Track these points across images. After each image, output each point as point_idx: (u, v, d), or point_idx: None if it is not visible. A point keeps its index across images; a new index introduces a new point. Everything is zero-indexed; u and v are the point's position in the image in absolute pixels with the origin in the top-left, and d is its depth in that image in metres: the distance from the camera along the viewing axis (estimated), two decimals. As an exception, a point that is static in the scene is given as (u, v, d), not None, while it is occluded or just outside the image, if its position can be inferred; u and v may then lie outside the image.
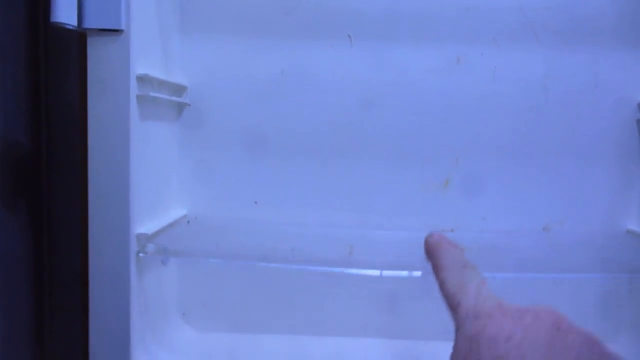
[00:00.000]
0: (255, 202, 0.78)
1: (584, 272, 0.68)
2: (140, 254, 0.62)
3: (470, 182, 0.78)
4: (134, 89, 0.60)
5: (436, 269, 0.35)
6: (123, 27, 0.59)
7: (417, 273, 0.66)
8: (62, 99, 0.76)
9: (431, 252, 0.36)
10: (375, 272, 0.67)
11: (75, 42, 0.72)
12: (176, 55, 0.75)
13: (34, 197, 0.76)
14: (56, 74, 0.75)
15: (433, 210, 0.78)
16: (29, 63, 0.74)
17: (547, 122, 0.77)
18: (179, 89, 0.75)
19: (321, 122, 0.77)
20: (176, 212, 0.77)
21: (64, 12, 0.57)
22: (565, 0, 0.75)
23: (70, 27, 0.58)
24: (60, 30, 0.59)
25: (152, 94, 0.63)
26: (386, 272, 0.66)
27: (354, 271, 0.66)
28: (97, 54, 0.59)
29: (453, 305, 0.31)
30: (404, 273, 0.67)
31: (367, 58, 0.76)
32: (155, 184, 0.70)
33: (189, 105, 0.77)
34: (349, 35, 0.75)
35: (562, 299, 0.79)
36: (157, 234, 0.66)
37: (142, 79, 0.62)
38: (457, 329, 0.30)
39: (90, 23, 0.58)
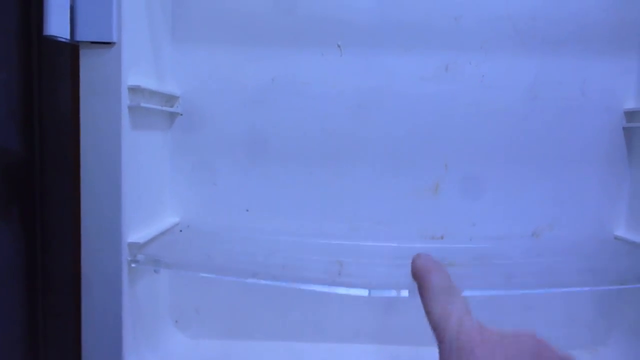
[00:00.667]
0: (247, 210, 0.79)
1: (573, 285, 0.69)
2: (132, 265, 0.63)
3: (459, 188, 0.78)
4: (125, 100, 0.61)
5: (422, 294, 0.36)
6: (114, 39, 0.60)
7: (405, 293, 0.67)
8: (54, 109, 0.76)
9: (418, 275, 0.37)
10: (364, 293, 0.67)
11: (67, 52, 0.73)
12: (168, 65, 0.76)
13: (27, 205, 0.77)
14: (49, 83, 0.76)
15: (423, 216, 0.79)
16: (22, 72, 0.75)
17: (536, 128, 0.78)
18: (171, 99, 0.76)
19: (312, 130, 0.78)
20: (168, 220, 0.77)
21: (57, 25, 0.58)
22: (552, 8, 0.76)
23: (63, 40, 0.59)
24: (53, 42, 0.60)
25: (143, 104, 0.64)
26: (374, 292, 0.67)
27: (342, 291, 0.67)
28: (90, 65, 0.60)
29: (438, 332, 0.33)
30: (393, 293, 0.68)
31: (356, 66, 0.77)
32: (148, 193, 0.71)
33: (181, 115, 0.78)
34: (338, 45, 0.76)
35: (552, 302, 0.80)
36: (149, 242, 0.66)
37: (134, 90, 0.62)
38: (441, 358, 0.32)
39: (82, 36, 0.59)
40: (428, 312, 0.35)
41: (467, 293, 0.72)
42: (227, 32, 0.77)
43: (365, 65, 0.77)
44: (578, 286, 0.71)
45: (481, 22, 0.76)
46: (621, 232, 0.79)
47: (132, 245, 0.63)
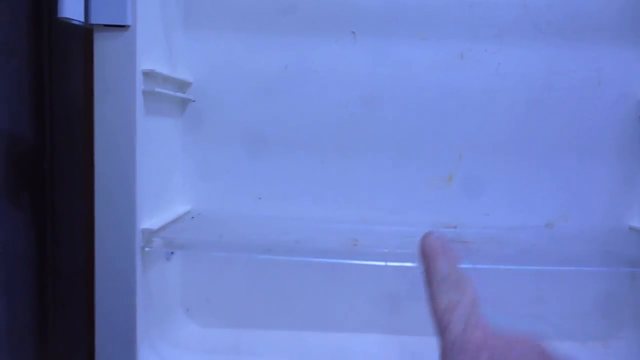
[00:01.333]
0: (260, 198, 0.78)
1: (586, 265, 0.69)
2: (147, 249, 0.62)
3: (473, 178, 0.78)
4: (139, 84, 0.60)
5: (428, 278, 0.33)
6: (129, 22, 0.59)
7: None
8: (67, 94, 0.76)
9: (426, 256, 0.33)
10: (380, 263, 0.67)
11: (79, 37, 0.72)
12: (180, 51, 0.75)
13: (38, 192, 0.77)
14: (61, 68, 0.75)
15: (436, 206, 0.78)
16: (33, 58, 0.74)
17: (550, 118, 0.77)
18: (183, 85, 0.75)
19: (324, 118, 0.77)
20: (180, 208, 0.77)
21: (71, 7, 0.57)
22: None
23: (77, 23, 0.58)
24: (64, 26, 0.59)
25: (157, 89, 0.63)
26: (391, 263, 0.66)
27: (359, 262, 0.67)
28: (104, 49, 0.59)
29: (441, 326, 0.30)
30: (409, 264, 0.67)
31: (370, 54, 0.76)
32: (160, 180, 0.70)
33: (193, 101, 0.77)
34: (352, 32, 0.76)
35: (565, 294, 0.80)
36: (162, 229, 0.66)
37: (148, 75, 0.62)
38: (442, 356, 0.30)
39: (96, 19, 0.58)
40: (432, 301, 0.31)
41: (480, 266, 0.73)
42: (239, 19, 0.76)
43: (379, 53, 0.76)
44: (591, 266, 0.70)
45: (497, 9, 0.75)
46: (636, 222, 0.78)
47: (145, 231, 0.62)
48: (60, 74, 0.76)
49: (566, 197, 0.78)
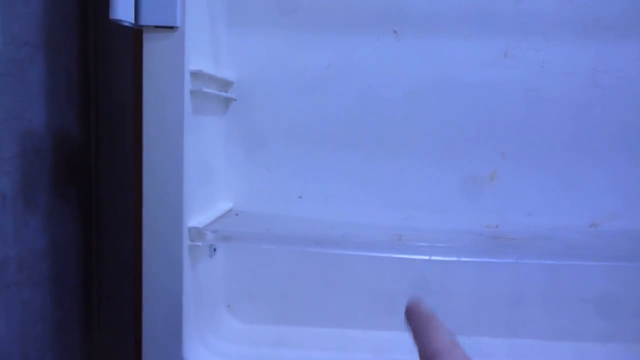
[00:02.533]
0: (300, 197, 0.79)
1: (634, 260, 0.68)
2: (197, 243, 0.63)
3: (517, 176, 0.77)
4: (187, 84, 0.61)
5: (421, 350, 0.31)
6: (178, 23, 0.60)
7: (466, 259, 0.67)
8: (112, 93, 0.77)
9: (415, 326, 0.32)
10: (424, 257, 0.67)
11: (127, 38, 0.73)
12: (224, 50, 0.76)
13: (85, 187, 0.78)
14: (107, 68, 0.77)
15: (479, 204, 0.77)
16: (82, 56, 0.76)
17: (596, 117, 0.76)
18: (227, 84, 0.76)
19: (367, 117, 0.77)
20: (223, 205, 0.78)
21: (123, 9, 0.58)
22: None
23: (128, 24, 0.59)
24: (112, 26, 0.60)
25: (204, 89, 0.64)
26: (435, 257, 0.66)
27: (404, 256, 0.67)
28: (153, 49, 0.60)
29: None
30: (453, 258, 0.67)
31: (413, 52, 0.76)
32: (205, 178, 0.71)
33: (235, 100, 0.77)
34: (395, 31, 0.75)
35: (609, 297, 0.78)
36: (207, 226, 0.67)
37: (196, 75, 0.63)
38: None
39: (146, 20, 0.60)
40: None
41: (527, 261, 0.72)
42: (282, 17, 0.76)
43: (422, 52, 0.76)
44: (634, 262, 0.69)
45: (542, 6, 0.74)
46: (686, 223, 0.76)
47: (192, 230, 0.63)
48: (107, 73, 0.78)
49: (613, 196, 0.77)
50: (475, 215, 0.78)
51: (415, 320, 0.33)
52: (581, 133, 0.76)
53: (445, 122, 0.77)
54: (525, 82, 0.76)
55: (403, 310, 0.35)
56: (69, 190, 0.74)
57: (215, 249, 0.75)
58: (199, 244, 0.64)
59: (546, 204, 0.77)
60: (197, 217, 0.67)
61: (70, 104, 0.74)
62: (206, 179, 0.72)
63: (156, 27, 0.60)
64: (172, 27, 0.60)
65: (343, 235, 0.67)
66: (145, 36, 0.60)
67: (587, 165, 0.76)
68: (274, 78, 0.77)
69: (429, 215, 0.77)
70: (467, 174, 0.77)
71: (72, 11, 0.73)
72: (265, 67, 0.77)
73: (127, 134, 0.80)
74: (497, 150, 0.77)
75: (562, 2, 0.74)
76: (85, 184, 0.78)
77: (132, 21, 0.59)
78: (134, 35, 0.62)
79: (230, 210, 0.78)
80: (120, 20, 0.58)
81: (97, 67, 0.79)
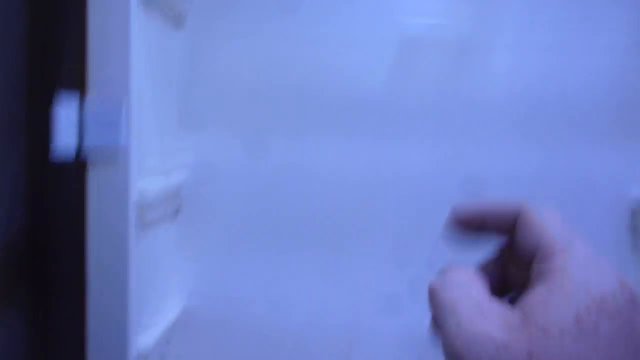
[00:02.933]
0: (253, 295, 0.78)
1: None
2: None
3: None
4: (133, 204, 0.61)
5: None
6: (123, 145, 0.60)
7: None
8: (61, 218, 0.75)
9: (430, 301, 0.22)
10: None
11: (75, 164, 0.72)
12: (174, 152, 0.76)
13: (33, 309, 0.76)
14: (58, 192, 0.75)
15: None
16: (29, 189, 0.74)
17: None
18: (177, 187, 0.76)
19: (318, 215, 0.78)
20: (175, 307, 0.77)
21: (66, 138, 0.58)
22: (558, 95, 0.77)
23: (71, 148, 0.59)
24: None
25: (150, 205, 0.64)
26: None
27: None
28: (98, 173, 0.60)
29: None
30: None
31: (365, 152, 0.77)
32: (154, 285, 0.71)
33: (186, 201, 0.78)
34: (345, 130, 0.77)
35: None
36: (156, 345, 0.66)
37: (142, 194, 0.63)
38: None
39: (91, 142, 0.60)
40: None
41: None
42: (233, 119, 0.78)
43: (372, 151, 0.77)
44: None
45: (490, 109, 0.77)
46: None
47: (140, 355, 0.62)
48: (58, 199, 0.76)
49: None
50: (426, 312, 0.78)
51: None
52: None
53: (395, 220, 0.78)
54: (472, 182, 0.77)
55: None
56: (16, 312, 0.72)
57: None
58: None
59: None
60: (146, 332, 0.66)
61: (20, 217, 0.73)
62: (156, 284, 0.72)
63: (102, 147, 0.60)
64: (116, 149, 0.60)
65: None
66: (89, 160, 0.60)
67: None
68: (225, 177, 0.78)
69: (380, 311, 0.78)
70: (419, 272, 0.78)
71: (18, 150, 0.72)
72: (216, 167, 0.78)
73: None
74: (446, 247, 0.78)
75: (509, 105, 0.77)
76: (34, 304, 0.76)
77: (75, 144, 0.59)
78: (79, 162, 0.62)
79: (182, 311, 0.78)
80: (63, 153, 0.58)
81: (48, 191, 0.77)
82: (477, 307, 0.19)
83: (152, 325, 0.69)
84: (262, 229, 0.78)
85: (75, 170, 0.63)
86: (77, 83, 0.61)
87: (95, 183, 0.60)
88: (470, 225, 0.23)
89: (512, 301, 0.19)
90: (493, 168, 0.77)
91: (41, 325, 0.79)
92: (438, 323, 0.20)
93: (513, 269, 0.22)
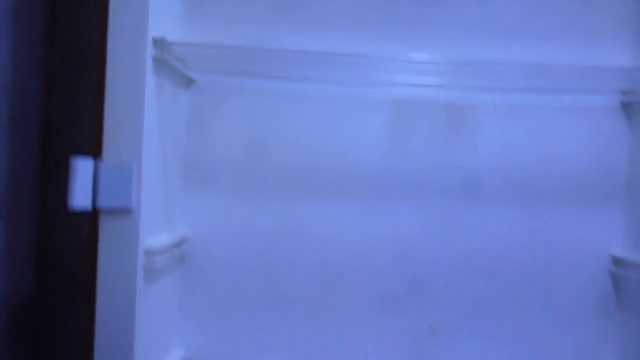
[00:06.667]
0: (253, 351, 0.81)
1: None
2: None
3: (455, 337, 0.81)
4: (140, 262, 0.65)
5: None
6: (133, 206, 0.64)
7: None
8: (72, 271, 0.78)
9: None
10: None
11: (88, 219, 0.75)
12: (179, 209, 0.80)
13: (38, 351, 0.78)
14: (69, 250, 0.78)
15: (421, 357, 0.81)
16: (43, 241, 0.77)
17: (532, 277, 0.82)
18: (181, 243, 0.80)
19: (316, 275, 0.81)
20: (175, 353, 0.80)
21: (81, 199, 0.62)
22: (542, 161, 0.81)
23: (86, 209, 0.63)
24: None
25: (157, 265, 0.68)
26: None
27: None
28: (108, 231, 0.64)
29: None
30: None
31: (360, 215, 0.81)
32: (157, 336, 0.74)
33: (190, 254, 0.81)
34: (343, 195, 0.81)
35: None
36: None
37: (148, 252, 0.66)
38: None
39: (103, 204, 0.64)
40: None
41: None
42: (236, 180, 0.82)
43: (368, 214, 0.81)
44: None
45: (479, 171, 0.81)
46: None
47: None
48: (70, 255, 0.79)
49: (546, 350, 0.81)
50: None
51: None
52: (515, 292, 0.82)
53: (389, 280, 0.81)
54: (464, 246, 0.81)
55: None
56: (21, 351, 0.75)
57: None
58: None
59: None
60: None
61: (29, 279, 0.75)
62: (159, 337, 0.75)
63: (112, 210, 0.64)
64: (128, 210, 0.64)
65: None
66: (102, 217, 0.64)
67: (523, 322, 0.82)
68: (227, 235, 0.81)
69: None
70: (409, 329, 0.81)
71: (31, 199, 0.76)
72: (218, 225, 0.82)
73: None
74: (437, 308, 0.81)
75: (497, 168, 0.81)
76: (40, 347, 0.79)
77: (90, 206, 0.63)
78: (92, 217, 0.65)
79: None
80: (78, 207, 0.62)
81: (62, 250, 0.79)
82: None
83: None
84: (261, 287, 0.82)
85: (88, 229, 0.67)
86: (93, 146, 0.65)
87: (107, 241, 0.64)
88: None
89: None
90: (486, 230, 0.81)
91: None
92: None
93: None
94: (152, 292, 0.70)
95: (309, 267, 0.81)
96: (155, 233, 0.70)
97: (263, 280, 0.81)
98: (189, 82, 0.81)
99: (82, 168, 0.62)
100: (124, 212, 0.64)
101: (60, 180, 0.69)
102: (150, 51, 0.66)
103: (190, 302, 0.82)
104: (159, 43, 0.67)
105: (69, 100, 0.77)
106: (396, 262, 0.81)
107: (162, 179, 0.73)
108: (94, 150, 0.65)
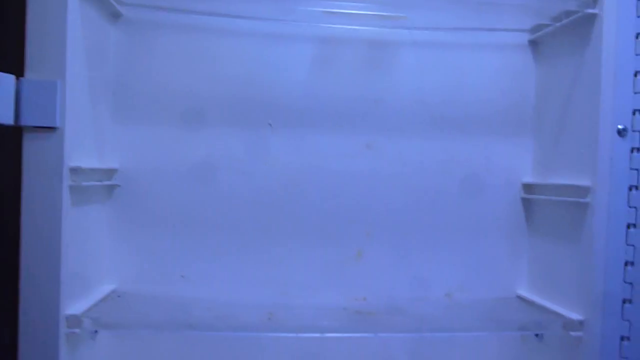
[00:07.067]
0: (182, 276, 0.83)
1: (478, 330, 0.78)
2: (74, 330, 0.66)
3: (380, 255, 0.86)
4: (66, 181, 0.65)
5: None
6: (58, 124, 0.64)
7: (330, 334, 0.76)
8: None
9: None
10: (292, 335, 0.74)
11: (10, 135, 0.74)
12: (108, 140, 0.81)
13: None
14: None
15: (347, 281, 0.85)
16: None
17: (447, 201, 0.87)
18: (110, 172, 0.80)
19: (245, 203, 0.84)
20: (106, 287, 0.81)
21: (2, 114, 0.62)
22: (459, 95, 0.87)
23: (7, 125, 0.63)
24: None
25: (84, 183, 0.68)
26: (301, 334, 0.74)
27: (273, 334, 0.75)
28: (33, 148, 0.64)
29: None
30: (317, 335, 0.76)
31: (287, 144, 0.84)
32: (85, 263, 0.74)
33: (119, 186, 0.82)
34: (269, 124, 0.84)
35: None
36: (88, 310, 0.69)
37: (75, 171, 0.67)
38: None
39: (26, 121, 0.64)
40: None
41: (385, 335, 0.80)
42: (164, 111, 0.83)
43: (294, 143, 0.84)
44: (482, 331, 0.81)
45: (399, 104, 0.86)
46: (523, 291, 0.88)
47: (70, 317, 0.66)
48: None
49: (463, 270, 0.87)
50: (345, 290, 0.86)
51: None
52: (435, 215, 0.87)
53: (316, 207, 0.85)
54: (386, 171, 0.86)
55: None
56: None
57: (96, 331, 0.77)
58: (77, 330, 0.67)
59: (407, 279, 0.87)
60: (78, 302, 0.69)
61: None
62: (87, 264, 0.75)
63: (36, 127, 0.64)
64: (52, 128, 0.64)
65: (216, 317, 0.72)
66: (25, 136, 0.64)
67: (440, 243, 0.87)
68: (156, 166, 0.82)
69: (302, 291, 0.84)
70: (337, 253, 0.85)
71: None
72: (148, 157, 0.82)
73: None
74: (362, 231, 0.86)
75: (415, 101, 0.86)
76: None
77: (12, 122, 0.63)
78: (15, 134, 0.65)
79: (114, 291, 0.81)
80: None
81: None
82: None
83: (84, 297, 0.72)
84: (191, 218, 0.84)
85: (11, 146, 0.66)
86: (16, 64, 0.65)
87: (31, 158, 0.64)
88: None
89: None
90: (405, 156, 0.86)
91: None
92: None
93: None
94: (79, 215, 0.71)
95: (237, 196, 0.83)
96: (82, 155, 0.70)
97: (192, 211, 0.83)
98: (116, 15, 0.82)
99: (2, 83, 0.62)
100: (49, 130, 0.64)
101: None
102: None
103: (120, 235, 0.83)
104: (82, -36, 0.68)
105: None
106: (322, 189, 0.85)
107: (89, 103, 0.74)
108: (17, 68, 0.65)
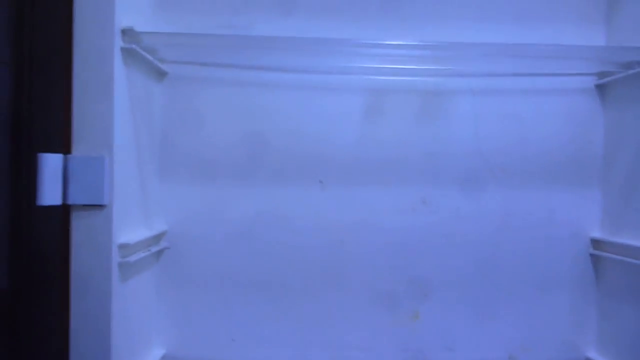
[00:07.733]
0: (233, 340, 0.81)
1: None
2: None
3: (438, 314, 0.82)
4: (115, 257, 0.63)
5: None
6: (106, 202, 0.62)
7: None
8: (46, 271, 0.76)
9: None
10: None
11: (59, 215, 0.73)
12: (156, 203, 0.79)
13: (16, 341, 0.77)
14: (40, 246, 0.76)
15: (403, 342, 0.81)
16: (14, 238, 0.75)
17: (508, 256, 0.82)
18: (158, 237, 0.78)
19: (295, 262, 0.80)
20: (157, 353, 0.79)
21: (49, 194, 0.60)
22: (519, 145, 0.81)
23: (57, 205, 0.61)
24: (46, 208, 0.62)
25: (133, 259, 0.66)
26: None
27: None
28: (81, 227, 0.63)
29: None
30: None
31: (338, 200, 0.81)
32: (134, 332, 0.73)
33: (169, 248, 0.80)
34: (320, 181, 0.80)
35: None
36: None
37: (124, 247, 0.65)
38: None
39: (74, 200, 0.62)
40: None
41: None
42: (212, 168, 0.80)
43: (345, 199, 0.81)
44: None
45: (454, 157, 0.81)
46: (592, 354, 0.82)
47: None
48: (41, 251, 0.77)
49: (526, 330, 0.82)
50: (401, 352, 0.81)
51: None
52: (495, 272, 0.82)
53: (369, 265, 0.81)
54: (442, 227, 0.81)
55: None
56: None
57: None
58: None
59: (466, 339, 0.82)
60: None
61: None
62: (136, 332, 0.73)
63: (84, 205, 0.62)
64: (100, 206, 0.63)
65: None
66: (73, 214, 0.63)
67: (500, 301, 0.82)
68: (205, 226, 0.80)
69: (355, 354, 0.81)
70: (392, 314, 0.81)
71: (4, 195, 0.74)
72: (196, 216, 0.80)
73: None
74: (419, 290, 0.81)
75: (472, 153, 0.81)
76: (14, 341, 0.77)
77: (60, 203, 0.61)
78: (63, 213, 0.64)
79: (163, 358, 0.79)
80: (48, 205, 0.60)
81: (31, 246, 0.77)
82: None
83: (133, 372, 0.70)
84: (238, 275, 0.81)
85: (61, 226, 0.65)
86: (63, 141, 0.63)
87: (79, 237, 0.62)
88: None
89: None
90: (462, 211, 0.81)
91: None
92: None
93: None
94: (128, 289, 0.69)
95: (287, 255, 0.81)
96: (130, 228, 0.69)
97: (241, 270, 0.80)
98: (161, 74, 0.80)
99: (49, 163, 0.60)
100: (96, 207, 0.63)
101: (32, 176, 0.68)
102: (118, 42, 0.64)
103: (168, 297, 0.81)
104: (128, 33, 0.66)
105: (38, 95, 0.75)
106: (375, 246, 0.81)
107: (137, 172, 0.72)
108: (64, 145, 0.63)
